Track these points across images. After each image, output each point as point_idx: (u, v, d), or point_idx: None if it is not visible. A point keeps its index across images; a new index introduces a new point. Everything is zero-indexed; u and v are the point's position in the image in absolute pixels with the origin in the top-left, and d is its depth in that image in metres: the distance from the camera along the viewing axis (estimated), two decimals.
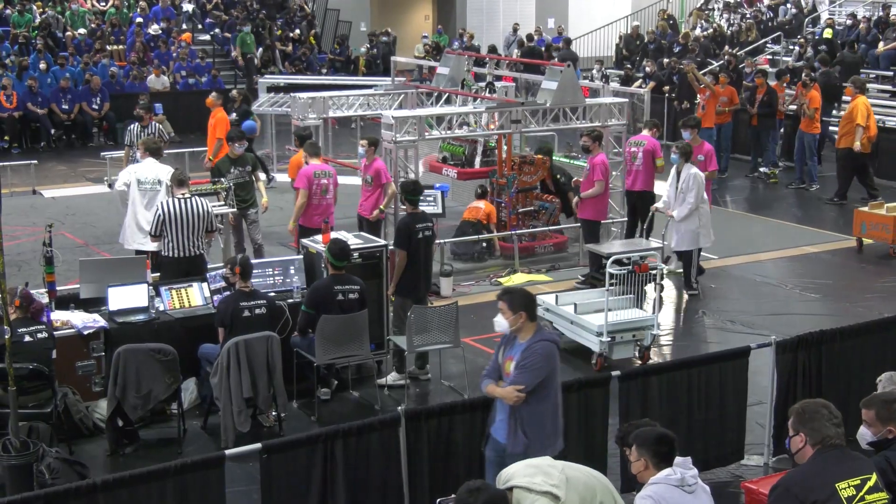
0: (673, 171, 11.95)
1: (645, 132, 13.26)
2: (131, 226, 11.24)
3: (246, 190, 12.08)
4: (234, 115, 16.18)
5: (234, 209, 11.81)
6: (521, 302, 6.17)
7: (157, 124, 14.19)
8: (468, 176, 14.23)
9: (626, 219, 13.35)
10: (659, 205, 12.21)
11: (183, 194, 10.01)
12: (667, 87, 21.33)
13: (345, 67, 26.79)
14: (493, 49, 26.23)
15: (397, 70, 17.04)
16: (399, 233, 9.51)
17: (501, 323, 6.21)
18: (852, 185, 16.56)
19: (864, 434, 5.79)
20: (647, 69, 22.67)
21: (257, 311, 8.40)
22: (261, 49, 25.84)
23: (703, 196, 11.87)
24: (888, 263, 13.25)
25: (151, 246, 10.37)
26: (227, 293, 8.73)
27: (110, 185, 14.28)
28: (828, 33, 23.18)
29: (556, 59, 21.89)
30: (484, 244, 13.30)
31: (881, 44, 22.32)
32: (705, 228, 11.92)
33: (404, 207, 10.01)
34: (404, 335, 9.07)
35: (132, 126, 14.09)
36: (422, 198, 11.67)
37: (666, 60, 22.59)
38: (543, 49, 26.22)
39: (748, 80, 19.98)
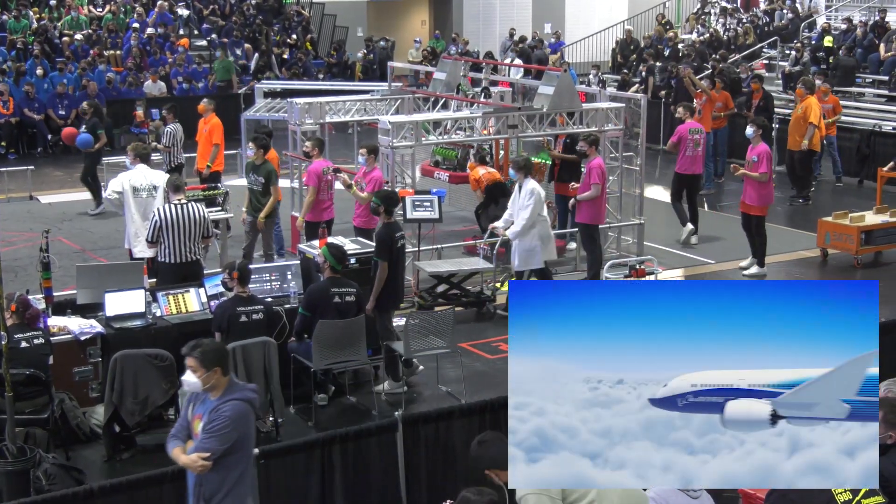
0: (516, 187, 11.31)
1: (688, 119, 14.06)
2: (130, 233, 11.21)
3: (258, 198, 12.03)
4: (83, 127, 16.11)
5: (230, 215, 11.83)
6: (214, 357, 5.59)
7: (173, 125, 14.19)
8: (460, 180, 14.22)
9: (621, 223, 13.44)
10: (499, 224, 11.48)
11: (179, 200, 10.01)
12: (663, 92, 21.35)
13: (341, 73, 26.76)
14: (489, 54, 26.25)
15: (394, 75, 17.01)
16: (381, 244, 9.39)
17: (192, 382, 5.59)
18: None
19: None
20: (644, 74, 22.69)
21: (254, 316, 8.40)
22: (256, 54, 25.77)
23: (542, 214, 11.11)
24: (887, 267, 13.23)
25: (147, 252, 10.36)
26: (224, 298, 8.74)
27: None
28: (828, 41, 23.18)
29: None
30: None
31: (882, 47, 22.35)
32: (546, 245, 11.17)
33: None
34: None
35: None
36: (419, 203, 11.74)
37: (660, 65, 22.61)
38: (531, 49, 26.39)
39: (745, 84, 19.98)
